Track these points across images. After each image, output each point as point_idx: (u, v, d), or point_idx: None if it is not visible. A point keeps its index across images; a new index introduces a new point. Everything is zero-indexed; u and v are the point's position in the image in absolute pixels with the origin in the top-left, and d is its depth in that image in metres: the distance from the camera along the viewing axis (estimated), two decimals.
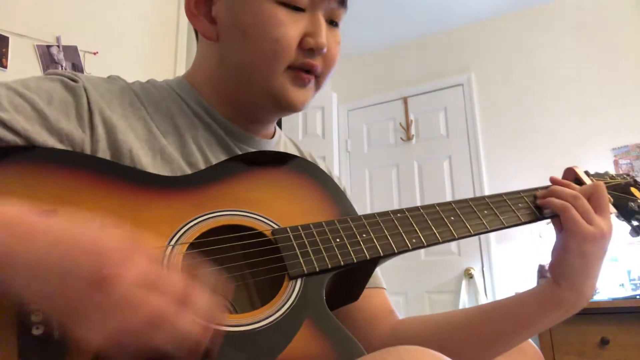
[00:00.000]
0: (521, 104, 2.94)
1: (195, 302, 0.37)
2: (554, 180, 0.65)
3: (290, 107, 0.62)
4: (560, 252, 0.60)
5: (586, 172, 0.72)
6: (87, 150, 0.53)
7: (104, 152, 0.53)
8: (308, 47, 0.59)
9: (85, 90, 0.55)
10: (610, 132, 2.63)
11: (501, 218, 0.61)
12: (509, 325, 0.61)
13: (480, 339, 0.62)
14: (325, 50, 0.60)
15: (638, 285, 2.22)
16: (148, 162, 0.55)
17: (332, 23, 0.63)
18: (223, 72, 0.63)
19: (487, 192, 2.87)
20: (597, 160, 2.59)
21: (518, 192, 0.65)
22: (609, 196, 0.68)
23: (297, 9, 0.58)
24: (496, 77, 3.06)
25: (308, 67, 0.60)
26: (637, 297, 2.07)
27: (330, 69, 0.63)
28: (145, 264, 0.36)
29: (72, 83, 0.55)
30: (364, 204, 3.23)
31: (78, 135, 0.53)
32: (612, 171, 0.78)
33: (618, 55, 2.73)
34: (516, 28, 3.07)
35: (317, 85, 0.64)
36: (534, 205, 0.64)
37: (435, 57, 3.29)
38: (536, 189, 0.65)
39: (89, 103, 0.55)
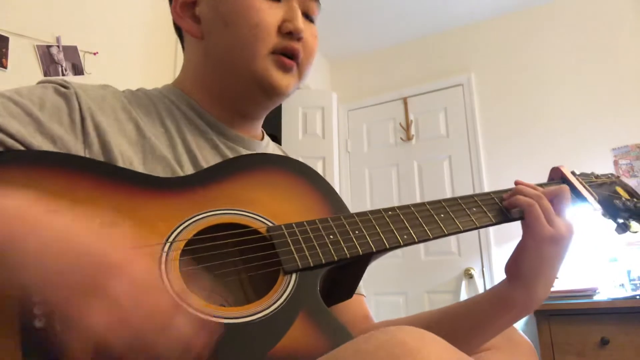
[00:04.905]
0: (521, 104, 2.94)
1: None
2: (518, 182, 0.66)
3: (275, 90, 0.65)
4: (517, 251, 0.61)
5: (572, 172, 0.73)
6: (81, 154, 0.54)
7: (97, 156, 0.55)
8: (287, 31, 0.63)
9: (76, 95, 0.57)
10: (610, 132, 2.63)
11: (490, 215, 0.62)
12: (466, 325, 0.62)
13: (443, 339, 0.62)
14: (302, 34, 0.64)
15: (638, 285, 2.22)
16: (139, 165, 0.57)
17: (308, 18, 0.68)
18: (209, 66, 0.66)
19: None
20: (597, 160, 2.59)
21: (488, 193, 0.66)
22: (595, 194, 0.70)
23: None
24: (496, 77, 3.07)
25: (290, 51, 0.64)
26: (637, 297, 2.07)
27: (310, 58, 0.67)
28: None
29: (63, 89, 0.57)
30: (364, 204, 3.23)
31: (71, 139, 0.54)
32: (612, 171, 0.79)
33: (618, 55, 2.73)
34: (516, 28, 3.07)
35: (299, 74, 0.67)
36: (503, 206, 0.64)
37: (435, 57, 3.30)
38: (505, 191, 0.66)
39: (80, 108, 0.56)
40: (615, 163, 2.59)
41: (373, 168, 3.33)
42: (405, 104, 3.31)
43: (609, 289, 2.26)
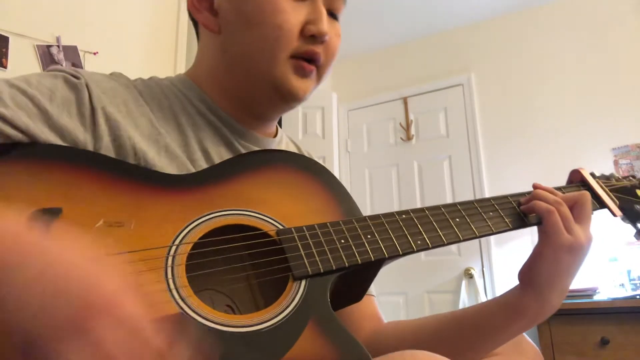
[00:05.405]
0: (521, 104, 2.94)
1: None
2: (536, 186, 0.63)
3: (292, 96, 0.62)
4: (533, 258, 0.59)
5: (592, 174, 0.71)
6: (90, 147, 0.52)
7: (107, 149, 0.53)
8: (310, 34, 0.60)
9: (87, 86, 0.55)
10: (610, 132, 2.63)
11: (507, 221, 0.60)
12: (476, 332, 0.60)
13: (451, 345, 0.60)
14: (326, 37, 0.61)
15: (638, 285, 2.22)
16: (154, 158, 0.55)
17: (332, 16, 0.64)
18: (226, 63, 0.63)
19: (487, 192, 2.88)
20: (597, 160, 2.60)
21: (506, 197, 0.63)
22: (615, 198, 0.68)
23: None
24: (496, 77, 3.07)
25: (310, 55, 0.61)
26: (637, 297, 2.07)
27: (331, 60, 0.64)
28: (127, 320, 0.32)
29: (74, 80, 0.55)
30: (364, 204, 3.23)
31: (80, 132, 0.52)
32: (615, 172, 0.77)
33: (618, 55, 2.74)
34: (516, 28, 3.07)
35: (319, 77, 0.64)
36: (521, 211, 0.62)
37: (435, 57, 3.30)
38: (522, 194, 0.63)
39: (90, 100, 0.54)
40: (615, 163, 2.59)
41: (373, 168, 3.32)
42: (405, 103, 3.31)
43: (609, 288, 2.27)
